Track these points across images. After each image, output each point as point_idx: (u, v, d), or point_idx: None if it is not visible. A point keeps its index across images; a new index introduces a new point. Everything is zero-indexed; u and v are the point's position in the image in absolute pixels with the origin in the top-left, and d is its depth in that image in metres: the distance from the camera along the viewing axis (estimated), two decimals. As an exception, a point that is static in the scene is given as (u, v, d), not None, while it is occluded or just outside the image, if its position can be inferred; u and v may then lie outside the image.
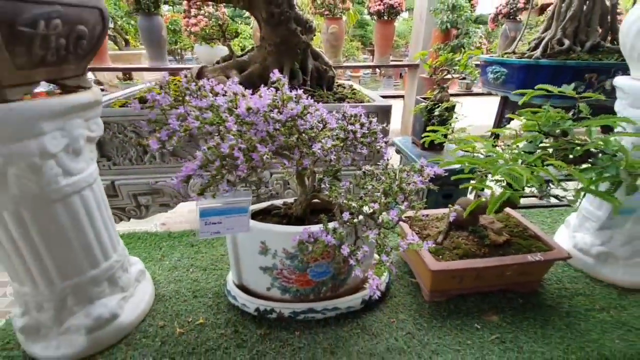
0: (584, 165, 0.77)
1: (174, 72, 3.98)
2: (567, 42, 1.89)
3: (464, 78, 2.25)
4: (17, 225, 0.61)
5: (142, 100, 1.55)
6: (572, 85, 0.80)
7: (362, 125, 0.76)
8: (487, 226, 0.90)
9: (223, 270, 1.00)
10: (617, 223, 0.84)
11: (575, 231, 1.04)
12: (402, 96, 4.37)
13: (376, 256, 0.63)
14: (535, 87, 0.88)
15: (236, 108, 0.58)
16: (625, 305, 0.88)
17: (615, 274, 0.94)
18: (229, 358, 0.73)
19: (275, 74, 0.58)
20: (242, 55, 1.78)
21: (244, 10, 1.89)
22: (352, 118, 0.76)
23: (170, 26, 5.09)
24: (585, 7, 1.84)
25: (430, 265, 0.80)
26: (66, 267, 0.68)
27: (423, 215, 1.02)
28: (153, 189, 1.50)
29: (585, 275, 0.98)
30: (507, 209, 1.04)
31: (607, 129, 0.90)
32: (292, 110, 0.56)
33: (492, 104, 2.24)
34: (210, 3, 3.39)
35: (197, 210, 0.68)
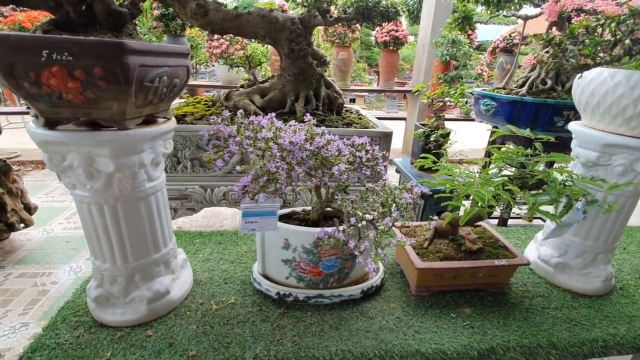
0: (540, 191, 1.00)
1: (193, 88, 4.29)
2: (549, 82, 2.15)
3: (462, 106, 2.50)
4: (112, 216, 0.83)
5: (177, 118, 1.80)
6: (527, 130, 1.03)
7: (366, 152, 0.99)
8: (464, 236, 1.12)
9: (247, 263, 1.21)
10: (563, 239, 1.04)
11: (540, 245, 1.25)
12: (405, 118, 4.64)
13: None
14: (504, 127, 1.11)
15: (277, 139, 0.81)
16: (576, 306, 1.08)
17: (570, 281, 1.14)
18: (256, 328, 0.93)
19: (308, 117, 0.82)
20: (264, 82, 2.04)
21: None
22: (359, 146, 1.00)
23: (188, 40, 5.46)
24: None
25: (417, 264, 1.01)
26: (139, 250, 0.90)
27: (415, 226, 1.23)
28: (183, 194, 1.73)
29: (546, 281, 1.18)
30: (483, 225, 1.25)
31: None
32: (319, 142, 0.79)
33: (488, 127, 2.48)
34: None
35: (241, 211, 0.91)
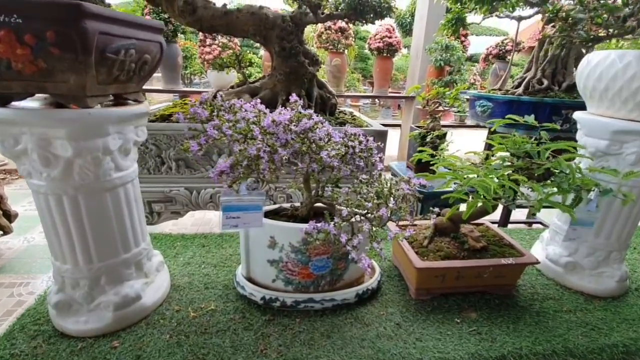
0: (548, 182, 0.92)
1: (185, 94, 4.23)
2: (546, 81, 2.12)
3: (458, 111, 2.46)
4: (73, 209, 0.73)
5: (163, 118, 1.72)
6: (532, 116, 0.97)
7: (360, 142, 0.91)
8: (467, 234, 1.03)
9: (232, 267, 1.11)
10: (581, 234, 0.96)
11: (547, 244, 1.16)
12: (400, 125, 4.61)
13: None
14: (505, 117, 1.05)
15: (260, 122, 0.73)
16: (590, 309, 0.99)
17: (582, 282, 1.05)
18: (237, 338, 0.82)
19: (293, 97, 0.74)
20: (254, 82, 1.97)
21: (258, 44, 2.12)
22: (352, 136, 0.92)
23: (182, 52, 5.44)
24: (562, 52, 2.08)
25: (416, 263, 0.91)
26: (105, 249, 0.80)
27: (413, 225, 1.15)
28: (167, 197, 1.63)
29: (556, 283, 1.09)
30: (486, 223, 1.17)
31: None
32: (306, 124, 0.71)
33: (483, 135, 2.44)
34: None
35: (221, 206, 0.82)
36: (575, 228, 0.91)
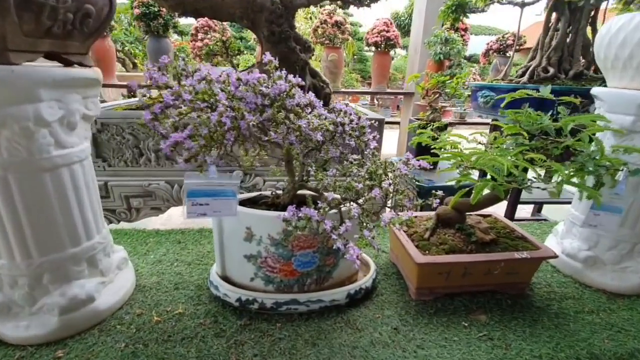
0: (568, 163, 0.80)
1: (177, 91, 4.11)
2: (551, 70, 2.00)
3: (462, 102, 2.35)
4: (2, 191, 0.61)
5: (141, 108, 1.61)
6: (549, 87, 0.85)
7: (351, 120, 0.79)
8: (474, 225, 0.91)
9: (208, 265, 0.99)
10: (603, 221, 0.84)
11: (563, 238, 1.04)
12: (399, 122, 4.50)
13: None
14: (517, 91, 0.94)
15: (227, 85, 0.61)
16: (614, 309, 0.86)
17: (604, 279, 0.93)
18: (205, 346, 0.70)
19: (267, 56, 0.63)
20: (242, 71, 1.85)
21: (247, 30, 2.01)
22: (341, 112, 0.80)
23: (178, 53, 5.35)
24: (568, 39, 1.97)
25: (417, 258, 0.79)
26: (46, 241, 0.67)
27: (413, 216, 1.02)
28: (146, 191, 1.51)
29: (575, 280, 0.97)
30: (495, 214, 1.05)
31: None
32: (281, 86, 0.59)
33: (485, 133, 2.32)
34: (217, 28, 3.59)
35: (185, 190, 0.70)
36: (598, 213, 0.79)
